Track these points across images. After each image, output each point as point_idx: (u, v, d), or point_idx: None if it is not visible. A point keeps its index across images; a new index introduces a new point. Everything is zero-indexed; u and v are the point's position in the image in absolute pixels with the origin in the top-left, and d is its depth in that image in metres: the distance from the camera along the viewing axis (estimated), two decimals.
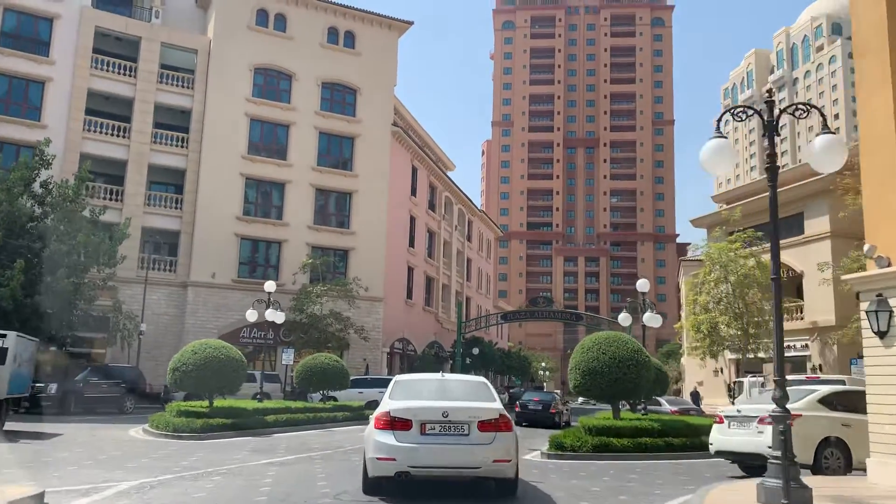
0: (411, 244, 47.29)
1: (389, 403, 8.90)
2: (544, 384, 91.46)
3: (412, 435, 8.45)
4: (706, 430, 18.48)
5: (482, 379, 10.54)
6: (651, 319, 19.86)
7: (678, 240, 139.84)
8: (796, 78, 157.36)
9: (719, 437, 12.42)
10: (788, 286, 33.14)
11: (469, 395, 9.41)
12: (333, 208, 42.46)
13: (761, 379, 27.74)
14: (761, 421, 11.13)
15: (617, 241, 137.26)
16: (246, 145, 40.23)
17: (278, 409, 22.09)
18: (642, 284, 20.91)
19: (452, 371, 47.96)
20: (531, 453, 16.44)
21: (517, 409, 30.45)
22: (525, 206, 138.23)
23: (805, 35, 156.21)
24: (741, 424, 11.85)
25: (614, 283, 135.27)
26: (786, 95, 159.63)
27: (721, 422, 12.51)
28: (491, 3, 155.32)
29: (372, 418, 9.01)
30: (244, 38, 40.76)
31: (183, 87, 39.70)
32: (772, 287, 8.36)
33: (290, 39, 41.91)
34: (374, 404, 33.52)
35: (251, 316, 25.25)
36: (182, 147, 39.39)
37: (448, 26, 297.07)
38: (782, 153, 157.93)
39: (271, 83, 41.64)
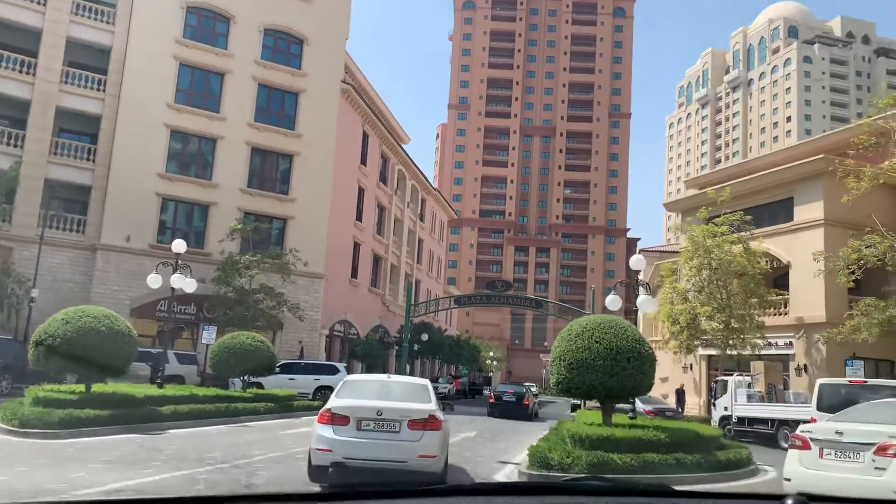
0: (359, 218, 42.97)
1: (333, 401, 9.83)
2: (491, 374, 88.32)
3: (349, 430, 9.29)
4: (719, 444, 15.00)
5: (424, 382, 11.18)
6: (645, 303, 16.22)
7: (629, 234, 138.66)
8: (751, 79, 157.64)
9: (805, 472, 8.33)
10: (772, 278, 30.15)
11: (407, 396, 10.22)
12: (271, 171, 37.83)
13: (748, 379, 24.56)
14: (882, 451, 7.47)
15: (568, 232, 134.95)
16: (173, 93, 35.27)
17: (180, 398, 17.68)
18: (637, 261, 17.24)
19: (399, 357, 44.01)
20: (504, 469, 12.59)
21: (491, 401, 31.04)
22: (478, 192, 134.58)
23: (762, 36, 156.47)
24: (844, 454, 8.01)
25: (564, 274, 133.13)
26: (740, 96, 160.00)
27: (806, 447, 8.42)
28: None
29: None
30: None
31: (102, 20, 34.48)
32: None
33: None
34: (308, 395, 29.56)
35: (153, 281, 20.65)
36: (98, 90, 34.24)
37: (406, 4, 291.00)
38: (734, 140, 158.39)
39: (206, 25, 36.68)
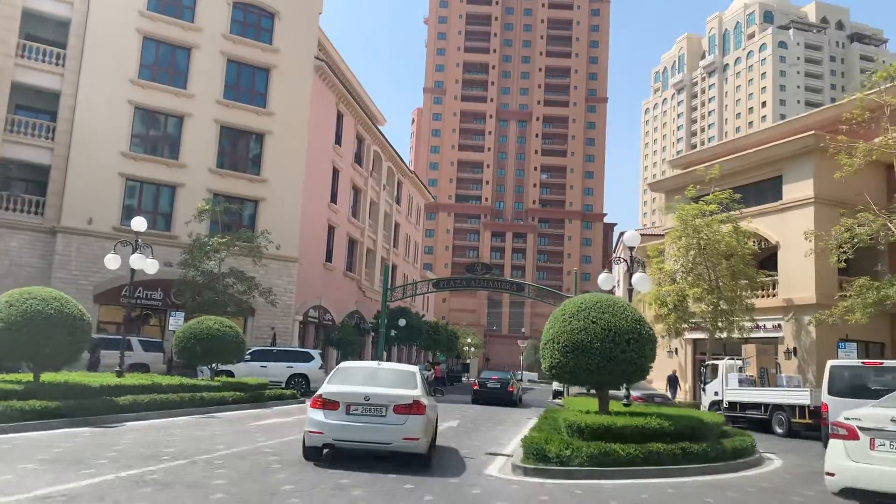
0: (333, 200, 41.55)
1: (325, 387, 10.49)
2: (468, 361, 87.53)
3: (338, 414, 10.06)
4: (721, 432, 14.07)
5: (413, 368, 11.82)
6: (641, 281, 15.18)
7: (605, 220, 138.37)
8: (727, 64, 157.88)
9: (853, 467, 7.17)
10: (759, 259, 29.40)
11: (395, 382, 10.74)
12: (242, 150, 36.26)
13: (739, 362, 23.76)
14: None
15: (545, 217, 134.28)
16: (137, 68, 33.52)
17: (140, 388, 16.35)
18: (631, 238, 16.19)
19: (376, 344, 42.85)
20: (494, 461, 11.49)
21: (475, 388, 31.03)
22: (455, 177, 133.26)
23: (738, 21, 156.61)
24: None
25: (541, 260, 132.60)
26: (716, 81, 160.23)
27: (853, 437, 7.21)
28: None
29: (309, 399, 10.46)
30: None
31: None
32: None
33: None
34: (280, 384, 28.28)
35: (111, 262, 19.20)
36: (58, 65, 32.40)
37: None
38: (709, 125, 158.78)
39: None
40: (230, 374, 26.66)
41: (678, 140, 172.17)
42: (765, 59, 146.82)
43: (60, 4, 32.63)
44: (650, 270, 27.25)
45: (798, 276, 27.22)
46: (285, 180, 36.01)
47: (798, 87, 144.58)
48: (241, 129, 35.70)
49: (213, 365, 21.66)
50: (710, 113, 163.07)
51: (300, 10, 37.55)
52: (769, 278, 27.85)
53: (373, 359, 42.30)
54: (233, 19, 35.96)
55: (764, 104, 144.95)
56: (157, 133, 34.40)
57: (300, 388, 27.79)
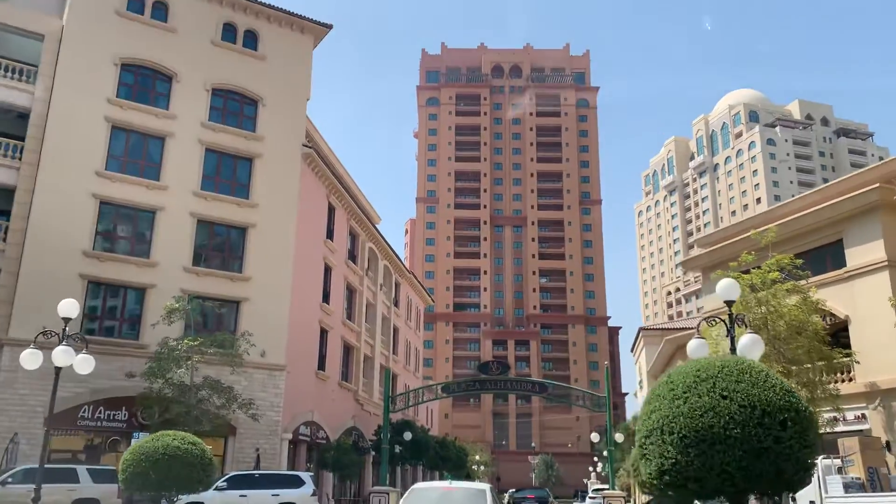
0: (325, 300, 37.39)
1: None
2: (477, 479, 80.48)
3: None
4: None
5: (484, 486, 12.31)
6: (753, 345, 10.91)
7: (609, 322, 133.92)
8: (717, 163, 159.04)
9: None
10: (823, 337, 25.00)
11: (465, 501, 11.22)
12: (222, 246, 32.42)
13: (839, 462, 19.00)
14: None
15: (547, 323, 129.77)
16: (104, 158, 30.17)
17: None
18: (728, 288, 11.96)
19: (378, 464, 37.49)
20: None
21: None
22: (451, 285, 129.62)
23: (724, 122, 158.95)
24: None
25: (546, 368, 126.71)
26: (707, 180, 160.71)
27: None
28: (415, 80, 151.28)
29: None
30: (110, 25, 31.39)
31: (20, 79, 29.71)
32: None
33: (173, 32, 32.77)
34: None
35: (29, 360, 14.70)
36: (13, 158, 29.05)
37: (371, 111, 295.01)
38: (704, 224, 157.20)
39: (144, 84, 32.12)
40: None
41: (674, 241, 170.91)
42: (755, 156, 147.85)
43: (20, 94, 29.62)
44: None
45: (879, 355, 22.83)
46: (271, 278, 32.02)
47: (791, 182, 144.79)
48: (221, 222, 32.05)
49: (173, 497, 16.74)
50: (704, 212, 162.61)
51: (286, 96, 34.84)
52: (846, 358, 23.40)
53: (376, 483, 36.87)
54: (212, 106, 33.09)
55: (759, 200, 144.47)
56: (125, 229, 30.64)
57: None
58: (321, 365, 36.68)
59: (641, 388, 51.62)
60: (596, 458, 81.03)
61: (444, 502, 10.81)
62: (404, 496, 11.28)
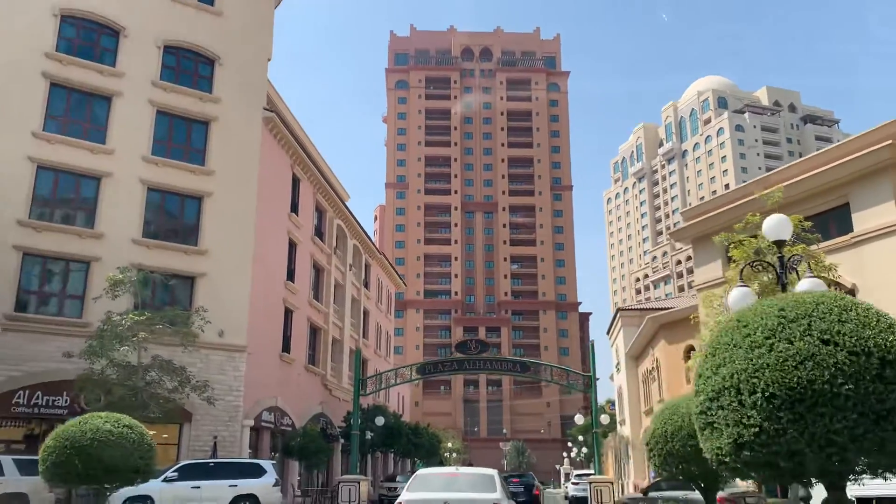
0: (290, 278, 34.88)
1: (404, 494, 10.89)
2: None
3: None
4: None
5: (491, 472, 11.89)
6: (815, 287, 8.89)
7: (582, 308, 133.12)
8: (685, 150, 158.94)
9: None
10: None
11: (473, 486, 10.95)
12: (174, 216, 29.70)
13: None
14: None
15: (518, 309, 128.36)
16: (41, 118, 27.23)
17: None
18: (778, 225, 9.93)
19: (348, 452, 35.28)
20: None
21: None
22: (422, 272, 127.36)
23: (693, 108, 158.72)
24: None
25: (517, 354, 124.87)
26: (676, 167, 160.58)
27: None
28: (383, 62, 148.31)
29: None
30: None
31: None
32: None
33: None
34: None
35: None
36: None
37: (336, 98, 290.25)
38: (673, 211, 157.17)
39: (88, 38, 29.16)
40: (148, 499, 19.19)
41: (643, 227, 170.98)
42: (723, 142, 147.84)
43: None
44: (707, 327, 20.81)
45: None
46: (230, 252, 29.43)
47: (759, 168, 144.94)
48: (174, 190, 29.31)
49: (101, 488, 14.20)
50: (673, 199, 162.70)
51: (245, 55, 32.13)
52: None
53: (347, 471, 34.59)
54: (164, 65, 30.26)
55: (727, 186, 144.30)
56: (66, 196, 27.76)
57: None
58: (286, 347, 34.19)
59: (618, 370, 50.01)
60: (570, 444, 79.77)
61: (453, 487, 10.47)
62: (409, 483, 10.97)
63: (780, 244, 10.31)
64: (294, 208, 35.66)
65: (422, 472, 11.82)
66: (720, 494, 16.76)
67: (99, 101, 28.75)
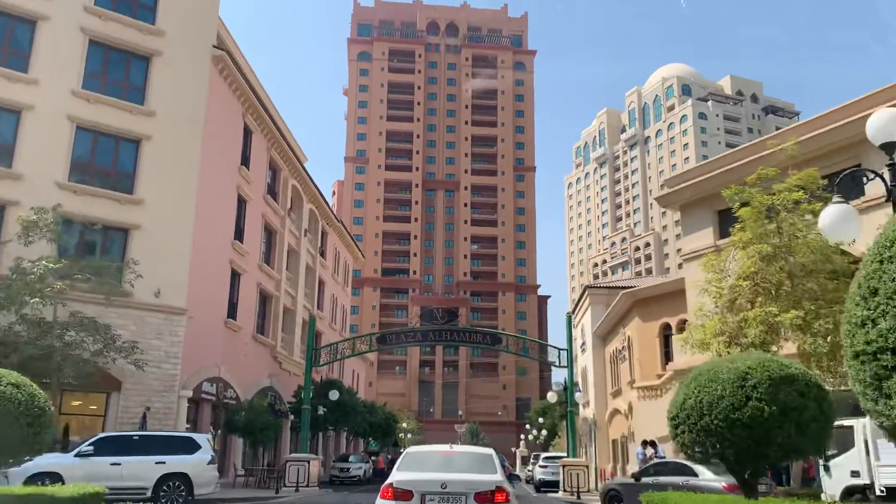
0: (238, 237, 31.75)
1: (395, 475, 9.49)
2: (403, 449, 76.40)
3: None
4: None
5: (489, 451, 10.76)
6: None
7: (539, 291, 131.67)
8: (648, 136, 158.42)
9: None
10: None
11: (471, 466, 9.86)
12: (107, 160, 26.29)
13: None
14: None
15: (477, 290, 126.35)
16: None
17: None
18: (889, 120, 7.50)
19: (297, 428, 32.51)
20: None
21: None
22: (380, 250, 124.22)
23: (657, 95, 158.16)
24: None
25: None
26: (638, 153, 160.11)
27: None
28: (345, 32, 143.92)
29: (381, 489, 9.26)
30: None
31: None
32: None
33: None
34: (144, 491, 17.57)
35: None
36: None
37: (294, 68, 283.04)
38: (633, 197, 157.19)
39: None
40: (56, 477, 16.14)
41: (603, 213, 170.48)
42: (686, 130, 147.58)
43: None
44: (709, 291, 18.53)
45: None
46: (170, 203, 26.20)
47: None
48: (108, 131, 25.90)
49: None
50: (633, 185, 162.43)
51: None
52: None
53: (296, 450, 31.88)
54: None
55: None
56: None
57: (177, 496, 17.40)
58: (232, 313, 31.11)
59: (584, 350, 48.02)
60: (528, 426, 78.12)
61: (450, 468, 9.44)
62: (399, 461, 10.02)
63: (890, 148, 7.93)
64: (245, 162, 32.46)
65: (412, 449, 10.79)
66: (723, 483, 14.58)
67: (21, 24, 25.18)
